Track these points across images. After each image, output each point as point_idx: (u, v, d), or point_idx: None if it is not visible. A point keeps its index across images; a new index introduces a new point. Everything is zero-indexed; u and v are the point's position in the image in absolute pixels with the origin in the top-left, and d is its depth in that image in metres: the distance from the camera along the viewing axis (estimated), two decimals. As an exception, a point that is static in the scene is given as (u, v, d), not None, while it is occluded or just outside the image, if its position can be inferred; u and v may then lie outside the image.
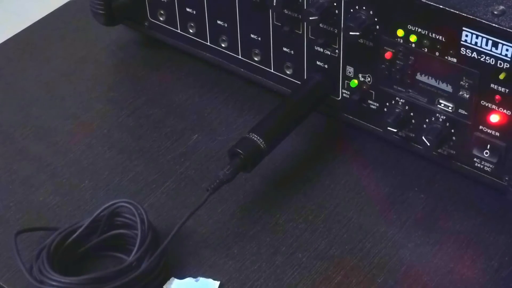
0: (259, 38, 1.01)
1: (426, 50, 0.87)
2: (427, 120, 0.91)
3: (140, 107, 1.07)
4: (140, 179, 0.98)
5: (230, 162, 0.90)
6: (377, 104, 0.95)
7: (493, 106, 0.86)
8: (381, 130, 0.95)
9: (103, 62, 1.15)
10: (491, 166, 0.90)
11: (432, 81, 0.89)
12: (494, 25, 0.81)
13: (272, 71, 1.03)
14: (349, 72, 0.96)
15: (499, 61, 0.83)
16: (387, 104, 0.94)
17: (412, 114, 0.92)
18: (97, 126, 1.04)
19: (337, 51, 0.95)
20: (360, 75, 0.95)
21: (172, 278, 0.87)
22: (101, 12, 1.08)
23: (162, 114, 1.06)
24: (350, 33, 0.90)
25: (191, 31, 1.08)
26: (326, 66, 0.97)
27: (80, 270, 0.87)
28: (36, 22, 1.21)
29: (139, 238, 0.85)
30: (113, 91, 1.10)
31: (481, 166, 0.90)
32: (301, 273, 0.88)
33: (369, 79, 0.94)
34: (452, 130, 0.90)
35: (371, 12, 0.89)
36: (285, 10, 0.96)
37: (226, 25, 1.04)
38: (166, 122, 1.05)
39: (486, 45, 0.83)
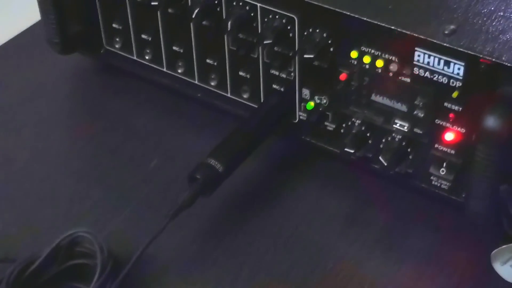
0: (215, 63, 1.02)
1: (380, 71, 0.88)
2: (383, 140, 0.92)
3: (98, 133, 1.06)
4: (100, 206, 0.97)
5: (189, 188, 0.90)
6: (334, 126, 0.95)
7: (448, 125, 0.87)
8: (338, 151, 0.95)
9: (60, 89, 1.14)
10: (448, 184, 0.90)
11: (387, 101, 0.90)
12: (444, 44, 0.82)
13: (229, 95, 1.03)
14: (305, 95, 0.96)
15: (451, 80, 0.84)
16: (344, 125, 0.94)
17: (368, 134, 0.93)
18: (55, 155, 1.04)
19: (292, 74, 0.96)
20: (316, 97, 0.95)
21: (134, 306, 0.87)
22: (56, 41, 1.07)
23: (121, 140, 1.05)
24: (305, 55, 0.90)
25: (147, 57, 1.08)
26: (282, 89, 0.98)
27: (41, 302, 0.86)
28: (-8, 50, 1.20)
29: (99, 267, 0.85)
30: (70, 118, 1.10)
31: (438, 184, 0.91)
32: (263, 297, 0.88)
33: (325, 101, 0.95)
34: (409, 149, 0.91)
35: (324, 35, 0.90)
36: (240, 35, 0.96)
37: (182, 51, 1.04)
38: (125, 148, 1.04)
39: (438, 64, 0.84)
